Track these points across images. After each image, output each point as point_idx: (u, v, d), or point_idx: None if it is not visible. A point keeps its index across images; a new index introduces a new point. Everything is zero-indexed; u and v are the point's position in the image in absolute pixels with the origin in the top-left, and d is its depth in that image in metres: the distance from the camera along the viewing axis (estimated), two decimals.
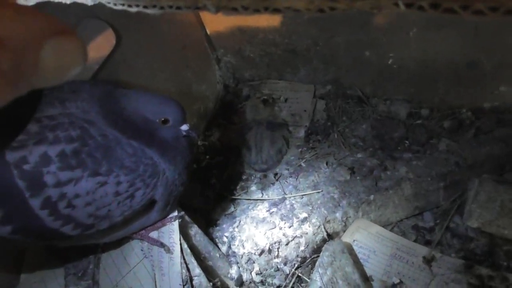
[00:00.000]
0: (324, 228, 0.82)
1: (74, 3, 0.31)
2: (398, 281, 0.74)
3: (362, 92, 1.01)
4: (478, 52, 0.80)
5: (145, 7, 0.27)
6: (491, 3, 0.18)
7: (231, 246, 0.84)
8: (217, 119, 1.10)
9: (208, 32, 1.02)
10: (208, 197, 0.94)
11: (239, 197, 0.94)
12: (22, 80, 0.20)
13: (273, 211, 0.88)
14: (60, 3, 0.31)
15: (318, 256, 0.77)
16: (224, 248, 0.84)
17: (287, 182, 0.94)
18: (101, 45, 0.68)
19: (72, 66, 0.21)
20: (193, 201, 0.92)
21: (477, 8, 0.19)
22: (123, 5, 0.27)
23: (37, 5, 0.31)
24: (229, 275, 0.78)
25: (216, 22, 0.98)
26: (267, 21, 0.90)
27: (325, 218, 0.83)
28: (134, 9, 0.28)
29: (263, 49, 1.02)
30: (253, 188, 0.96)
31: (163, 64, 0.91)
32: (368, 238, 0.79)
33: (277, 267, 0.80)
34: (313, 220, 0.83)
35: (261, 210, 0.89)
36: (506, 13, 0.19)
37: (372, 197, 0.84)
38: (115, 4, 0.28)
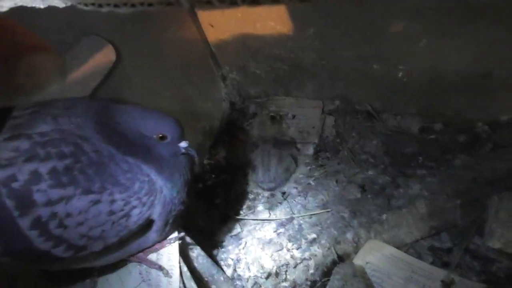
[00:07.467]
0: (334, 249, 0.78)
1: (48, 8, 0.29)
2: None
3: (371, 107, 0.98)
4: (492, 62, 0.76)
5: (116, 6, 0.25)
6: None
7: (237, 269, 0.81)
8: (223, 137, 1.08)
9: (213, 50, 1.01)
10: (213, 217, 0.91)
11: (245, 217, 0.91)
12: None
13: (280, 232, 0.84)
14: (33, 8, 0.30)
15: (329, 279, 0.72)
16: (229, 271, 0.81)
17: (295, 201, 0.90)
18: (100, 62, 0.67)
19: (49, 83, 0.20)
20: (198, 221, 0.89)
21: None
22: (93, 4, 0.26)
23: (11, 10, 0.30)
24: None
25: (220, 39, 0.97)
26: (272, 35, 0.89)
27: (335, 239, 0.80)
28: (105, 9, 0.26)
29: (269, 65, 1.00)
30: (260, 207, 0.92)
31: (166, 82, 0.90)
32: (381, 261, 0.75)
33: None
34: (323, 241, 0.80)
35: (268, 231, 0.85)
36: None
37: (384, 216, 0.79)
38: (85, 5, 0.26)
